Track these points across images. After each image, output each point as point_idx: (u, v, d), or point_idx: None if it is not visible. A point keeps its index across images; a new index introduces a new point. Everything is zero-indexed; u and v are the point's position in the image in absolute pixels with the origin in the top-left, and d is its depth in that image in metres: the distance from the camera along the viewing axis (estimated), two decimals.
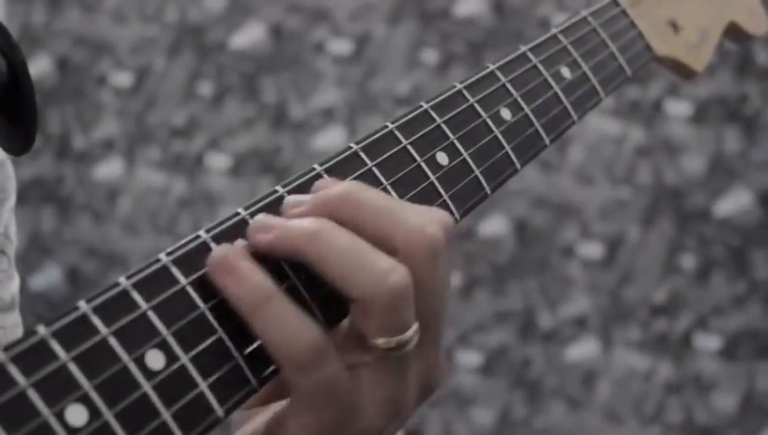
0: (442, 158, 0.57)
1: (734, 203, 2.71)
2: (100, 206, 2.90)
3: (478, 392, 2.74)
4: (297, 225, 0.46)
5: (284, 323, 0.44)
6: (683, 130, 2.74)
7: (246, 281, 0.45)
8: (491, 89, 0.61)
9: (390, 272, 0.45)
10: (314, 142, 2.84)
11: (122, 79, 2.92)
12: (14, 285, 0.70)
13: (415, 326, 0.47)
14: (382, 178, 0.54)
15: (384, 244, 0.46)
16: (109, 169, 2.90)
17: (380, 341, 0.46)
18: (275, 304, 0.45)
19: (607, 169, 2.76)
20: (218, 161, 2.87)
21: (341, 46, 2.86)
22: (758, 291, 2.69)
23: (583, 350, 2.73)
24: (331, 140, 2.83)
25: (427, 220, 0.47)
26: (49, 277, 2.86)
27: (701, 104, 2.74)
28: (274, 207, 0.50)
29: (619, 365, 2.72)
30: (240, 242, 0.46)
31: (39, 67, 2.92)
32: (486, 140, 0.59)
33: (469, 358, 2.74)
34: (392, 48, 2.84)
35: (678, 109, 2.75)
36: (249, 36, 2.89)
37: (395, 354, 0.47)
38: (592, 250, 2.75)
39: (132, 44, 2.91)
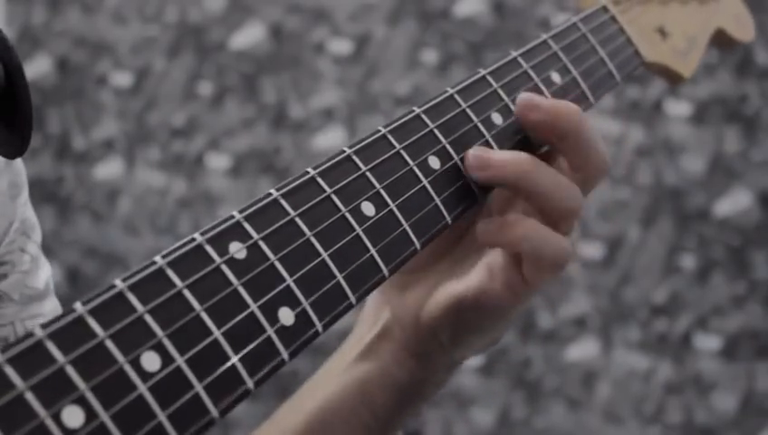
0: (434, 162, 0.57)
1: (734, 203, 2.71)
2: (100, 206, 2.90)
3: (478, 392, 2.75)
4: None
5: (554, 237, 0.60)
6: (683, 131, 2.75)
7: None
8: (483, 94, 0.61)
9: (580, 197, 0.59)
10: (314, 143, 2.85)
11: (122, 79, 2.92)
12: (45, 272, 0.70)
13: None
14: (375, 183, 0.55)
15: (577, 169, 0.60)
16: (109, 170, 2.91)
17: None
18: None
19: None
20: (218, 161, 2.88)
21: (341, 46, 2.86)
22: (758, 291, 2.69)
23: (583, 350, 2.73)
24: (331, 140, 2.83)
25: (606, 153, 0.61)
26: None
27: (701, 104, 2.74)
28: (271, 211, 0.50)
29: (619, 365, 2.72)
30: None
31: (39, 67, 2.93)
32: (478, 145, 0.60)
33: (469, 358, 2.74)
34: (392, 48, 2.85)
35: (678, 109, 2.75)
36: (249, 36, 2.89)
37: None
38: (592, 250, 2.75)
39: (132, 45, 2.92)
